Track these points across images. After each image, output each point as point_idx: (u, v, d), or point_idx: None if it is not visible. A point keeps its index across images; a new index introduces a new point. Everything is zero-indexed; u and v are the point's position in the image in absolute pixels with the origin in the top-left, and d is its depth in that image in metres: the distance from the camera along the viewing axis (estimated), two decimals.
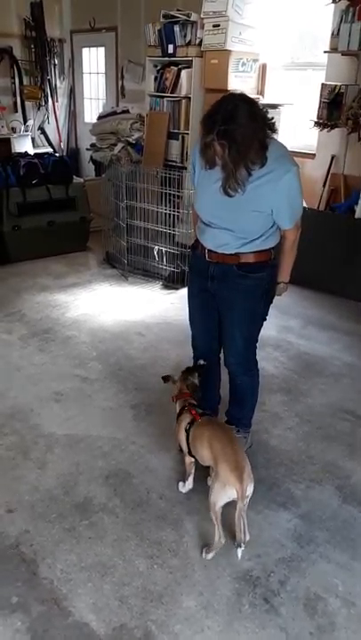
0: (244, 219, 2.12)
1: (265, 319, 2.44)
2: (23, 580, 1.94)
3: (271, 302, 2.43)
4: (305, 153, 5.12)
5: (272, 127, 1.96)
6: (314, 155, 5.04)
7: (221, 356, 2.56)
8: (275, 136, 2.03)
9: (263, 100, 5.18)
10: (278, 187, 2.02)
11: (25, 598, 1.88)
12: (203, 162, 1.96)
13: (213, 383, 2.68)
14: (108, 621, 1.81)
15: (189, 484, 2.33)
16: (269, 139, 1.96)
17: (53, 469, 2.49)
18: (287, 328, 3.98)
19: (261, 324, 2.44)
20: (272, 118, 1.96)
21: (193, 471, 2.31)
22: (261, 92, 5.36)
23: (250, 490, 1.93)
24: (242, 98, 1.89)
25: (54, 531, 2.15)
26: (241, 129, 1.81)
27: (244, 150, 1.85)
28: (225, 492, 1.92)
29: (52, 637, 1.75)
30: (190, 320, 2.54)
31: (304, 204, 5.11)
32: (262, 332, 2.49)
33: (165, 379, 2.46)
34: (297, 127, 5.17)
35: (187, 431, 2.21)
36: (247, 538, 2.02)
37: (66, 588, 1.92)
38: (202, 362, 2.48)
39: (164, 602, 1.89)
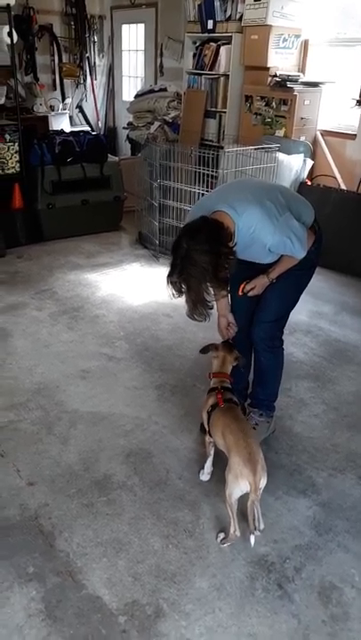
0: (270, 259, 2.24)
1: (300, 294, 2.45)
2: (40, 552, 1.98)
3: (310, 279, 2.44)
4: (345, 133, 4.97)
5: (228, 261, 1.96)
6: (355, 135, 4.86)
7: None
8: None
9: (304, 78, 5.02)
10: (266, 243, 2.11)
11: (41, 569, 1.92)
12: (171, 293, 2.04)
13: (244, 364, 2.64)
14: (120, 596, 1.83)
15: (208, 467, 2.31)
16: (229, 259, 1.97)
17: (75, 445, 2.52)
18: (319, 314, 3.89)
19: (295, 303, 2.45)
20: (233, 246, 1.98)
21: (212, 453, 2.28)
22: (302, 70, 5.20)
23: (263, 482, 1.91)
24: (194, 241, 1.93)
25: (73, 505, 2.18)
26: (193, 278, 1.94)
27: (199, 293, 1.98)
28: (238, 484, 1.90)
29: (65, 608, 1.79)
30: (230, 290, 2.48)
31: (343, 187, 4.95)
32: (293, 316, 2.45)
33: (205, 349, 2.33)
34: (338, 106, 5.00)
35: (209, 413, 2.20)
36: (262, 526, 2.00)
37: (81, 561, 1.95)
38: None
39: (177, 581, 1.89)
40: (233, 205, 2.07)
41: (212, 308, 2.03)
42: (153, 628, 1.74)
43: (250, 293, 2.34)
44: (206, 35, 5.43)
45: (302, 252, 2.15)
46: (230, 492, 1.94)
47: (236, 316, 2.53)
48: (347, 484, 2.36)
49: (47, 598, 1.82)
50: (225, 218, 2.04)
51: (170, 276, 2.00)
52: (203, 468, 2.33)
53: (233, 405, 2.18)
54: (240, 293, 2.36)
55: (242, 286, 2.34)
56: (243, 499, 1.96)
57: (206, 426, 2.23)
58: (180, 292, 2.01)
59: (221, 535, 2.04)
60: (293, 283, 2.36)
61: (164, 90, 6.21)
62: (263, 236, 2.09)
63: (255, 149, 4.40)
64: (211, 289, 2.00)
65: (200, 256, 1.92)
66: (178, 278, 1.98)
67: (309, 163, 4.94)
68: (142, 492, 2.26)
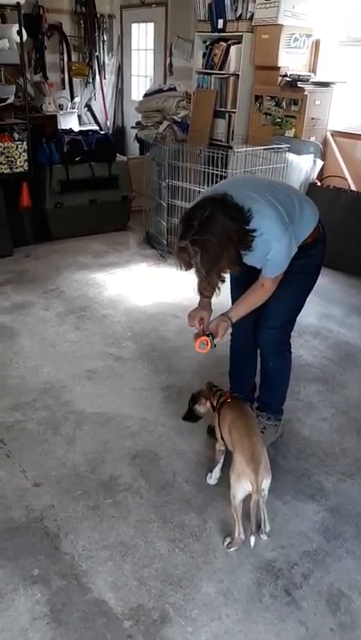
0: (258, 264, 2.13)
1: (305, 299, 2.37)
2: (45, 554, 1.96)
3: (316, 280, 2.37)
4: (356, 134, 4.92)
5: (247, 242, 1.88)
6: None
7: None
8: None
9: (315, 78, 4.98)
10: (269, 250, 2.00)
11: (46, 571, 1.90)
12: (179, 264, 1.91)
13: (248, 368, 2.62)
14: (126, 601, 1.81)
15: (217, 473, 2.28)
16: (247, 244, 1.89)
17: (81, 446, 2.50)
18: (329, 316, 3.85)
19: (301, 306, 2.38)
20: (249, 232, 1.88)
21: (221, 460, 2.24)
22: (313, 70, 5.15)
23: (266, 483, 1.89)
24: (220, 206, 1.84)
25: (79, 507, 2.16)
26: (214, 240, 1.80)
27: (216, 260, 1.84)
28: (240, 484, 1.88)
29: (70, 612, 1.77)
30: (232, 294, 2.45)
31: (353, 187, 4.91)
32: (302, 319, 2.41)
33: (195, 399, 2.29)
34: (349, 107, 4.95)
35: (218, 411, 2.17)
36: (268, 528, 1.97)
37: (86, 564, 1.93)
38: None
39: (183, 586, 1.87)
40: (245, 205, 1.95)
41: (224, 281, 1.90)
42: (158, 634, 1.71)
43: (215, 341, 2.14)
44: (216, 34, 5.40)
45: (277, 272, 2.08)
46: (234, 493, 1.91)
47: (239, 320, 2.48)
48: (356, 489, 2.33)
49: (52, 601, 1.80)
50: None
51: (181, 239, 1.83)
52: (211, 471, 2.30)
53: (240, 401, 2.16)
54: (197, 349, 2.17)
55: (197, 343, 2.14)
56: (248, 501, 1.93)
57: (218, 432, 2.17)
58: (187, 264, 1.85)
59: (228, 539, 2.02)
60: (299, 286, 2.29)
61: (174, 89, 6.18)
62: (270, 242, 1.97)
63: (265, 149, 4.38)
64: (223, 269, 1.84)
65: (226, 221, 1.80)
66: (192, 238, 1.80)
67: (319, 163, 4.90)
68: (148, 495, 2.24)
